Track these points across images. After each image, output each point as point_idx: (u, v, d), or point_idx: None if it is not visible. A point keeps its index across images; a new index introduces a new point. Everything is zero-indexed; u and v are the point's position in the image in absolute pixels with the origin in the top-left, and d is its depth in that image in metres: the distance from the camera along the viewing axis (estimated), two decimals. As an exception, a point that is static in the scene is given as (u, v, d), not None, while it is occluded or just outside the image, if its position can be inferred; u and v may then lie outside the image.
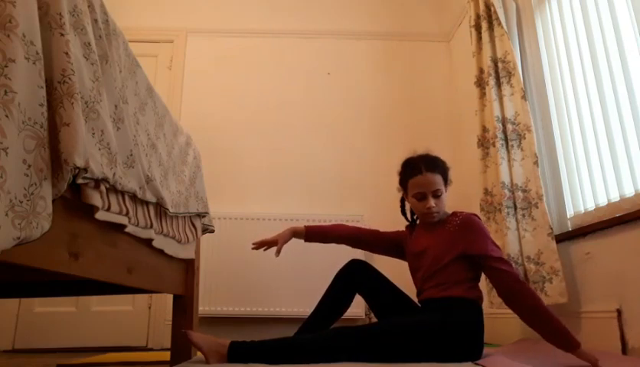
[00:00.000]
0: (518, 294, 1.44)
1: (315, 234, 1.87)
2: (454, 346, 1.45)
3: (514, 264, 2.04)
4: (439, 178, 1.60)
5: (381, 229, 1.90)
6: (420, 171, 1.60)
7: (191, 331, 1.47)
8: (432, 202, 1.59)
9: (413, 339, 1.43)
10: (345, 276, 1.75)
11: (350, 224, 1.95)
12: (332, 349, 1.40)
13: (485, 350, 1.59)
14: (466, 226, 1.56)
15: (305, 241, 1.87)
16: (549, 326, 1.38)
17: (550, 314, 1.38)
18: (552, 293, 1.91)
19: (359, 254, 2.58)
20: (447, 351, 1.44)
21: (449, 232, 1.58)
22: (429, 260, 1.61)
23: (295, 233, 1.85)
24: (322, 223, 1.92)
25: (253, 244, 1.87)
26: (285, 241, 1.83)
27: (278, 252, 1.80)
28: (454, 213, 1.63)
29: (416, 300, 1.71)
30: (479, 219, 1.60)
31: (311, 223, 2.85)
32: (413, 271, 1.72)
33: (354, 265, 1.76)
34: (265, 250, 1.89)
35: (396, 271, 1.93)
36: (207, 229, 2.08)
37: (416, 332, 1.44)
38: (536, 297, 1.43)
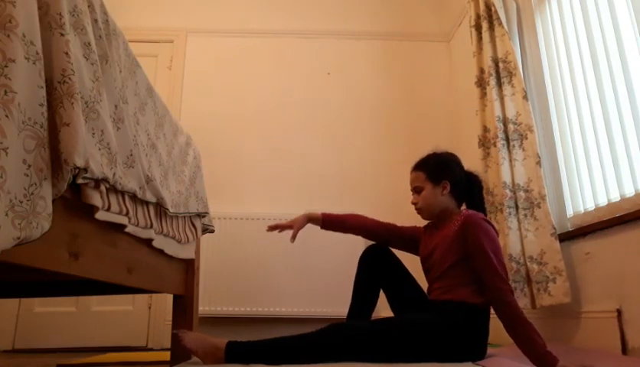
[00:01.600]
0: (507, 311, 1.39)
1: (331, 222, 1.86)
2: (451, 350, 1.44)
3: (515, 265, 2.04)
4: (419, 174, 1.69)
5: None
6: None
7: (184, 332, 1.43)
8: (412, 198, 1.70)
9: (410, 340, 1.43)
10: (368, 265, 1.73)
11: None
12: (332, 346, 1.39)
13: (487, 351, 1.58)
14: (468, 225, 1.52)
15: (322, 228, 1.87)
16: (529, 346, 1.32)
17: (535, 338, 1.32)
18: (556, 293, 1.90)
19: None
20: (443, 354, 1.43)
21: (451, 233, 1.57)
22: (436, 262, 1.60)
23: (311, 219, 1.85)
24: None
25: (269, 226, 1.88)
26: (300, 227, 1.83)
27: (293, 238, 1.81)
28: (460, 212, 1.61)
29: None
30: (485, 220, 1.54)
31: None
32: (425, 271, 1.71)
33: (375, 252, 1.74)
34: (279, 232, 1.89)
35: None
36: (207, 229, 2.08)
37: (413, 332, 1.44)
38: (525, 323, 1.35)
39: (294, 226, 1.83)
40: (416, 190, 1.68)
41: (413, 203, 1.70)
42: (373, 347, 1.41)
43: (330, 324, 1.43)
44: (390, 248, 1.80)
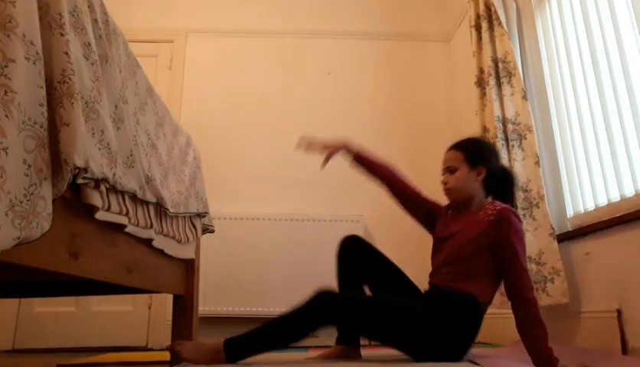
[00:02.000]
0: (525, 307, 1.40)
1: (362, 161, 1.78)
2: (441, 342, 1.42)
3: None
4: (456, 154, 1.62)
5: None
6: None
7: (179, 344, 1.39)
8: (442, 176, 1.63)
9: (402, 324, 1.41)
10: (345, 262, 1.70)
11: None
12: (324, 316, 1.41)
13: (486, 350, 1.58)
14: (502, 220, 1.48)
15: (352, 160, 1.78)
16: (534, 345, 1.34)
17: (544, 338, 1.34)
18: (554, 294, 1.90)
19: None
20: (434, 344, 1.42)
21: (483, 222, 1.52)
22: (455, 246, 1.55)
23: (347, 147, 1.77)
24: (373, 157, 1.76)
25: (303, 139, 1.77)
26: (335, 152, 1.75)
27: (324, 163, 1.75)
28: (492, 203, 1.57)
29: (415, 280, 1.69)
30: (516, 215, 1.52)
31: (310, 223, 2.89)
32: (434, 251, 1.67)
33: (350, 246, 1.70)
34: (305, 151, 1.79)
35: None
36: (207, 229, 2.08)
37: (407, 317, 1.42)
38: (538, 323, 1.37)
39: (329, 149, 1.75)
40: (449, 170, 1.62)
41: (444, 183, 1.63)
42: (364, 320, 1.42)
43: (319, 292, 1.45)
44: (408, 212, 1.77)
